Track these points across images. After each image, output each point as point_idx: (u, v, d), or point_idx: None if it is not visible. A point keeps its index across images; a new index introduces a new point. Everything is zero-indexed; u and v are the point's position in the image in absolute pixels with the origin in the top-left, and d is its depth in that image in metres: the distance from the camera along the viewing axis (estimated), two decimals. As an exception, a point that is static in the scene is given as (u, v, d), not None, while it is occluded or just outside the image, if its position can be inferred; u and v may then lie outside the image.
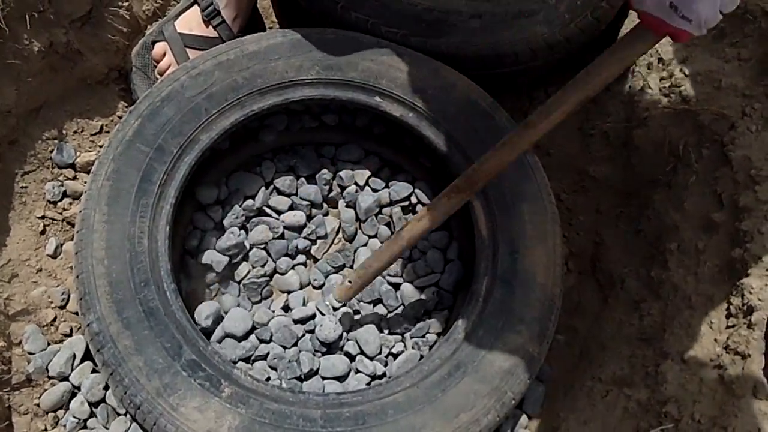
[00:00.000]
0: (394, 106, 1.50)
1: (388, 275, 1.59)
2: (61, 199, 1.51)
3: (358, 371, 1.51)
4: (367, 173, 1.66)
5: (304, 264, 1.63)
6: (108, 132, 1.58)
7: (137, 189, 1.35)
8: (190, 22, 1.62)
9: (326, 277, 1.60)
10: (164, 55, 1.61)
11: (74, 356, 1.41)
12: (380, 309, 1.58)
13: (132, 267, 1.30)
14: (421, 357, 1.50)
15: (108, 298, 1.27)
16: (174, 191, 1.38)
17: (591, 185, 1.63)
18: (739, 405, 1.13)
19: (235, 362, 1.45)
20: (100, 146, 1.57)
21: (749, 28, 1.42)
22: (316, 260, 1.64)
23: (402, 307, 1.58)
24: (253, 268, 1.57)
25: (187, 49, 1.60)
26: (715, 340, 1.26)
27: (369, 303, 1.58)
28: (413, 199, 1.65)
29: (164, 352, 1.26)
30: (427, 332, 1.56)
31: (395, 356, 1.55)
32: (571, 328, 1.55)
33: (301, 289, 1.59)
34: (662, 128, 1.44)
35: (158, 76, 1.62)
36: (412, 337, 1.56)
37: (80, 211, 1.34)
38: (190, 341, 1.28)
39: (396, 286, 1.60)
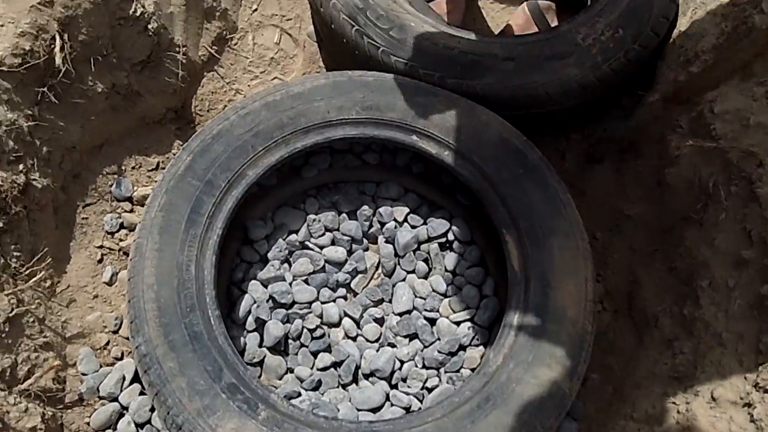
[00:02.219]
0: (431, 144, 1.57)
1: (425, 310, 1.64)
2: (118, 230, 1.61)
3: (392, 404, 1.55)
4: (406, 210, 1.72)
5: (344, 297, 1.68)
6: (164, 168, 1.68)
7: (187, 220, 1.44)
8: None
9: (365, 311, 1.66)
10: None
11: (124, 378, 1.49)
12: (416, 344, 1.62)
13: (179, 293, 1.38)
14: (455, 390, 1.54)
15: (156, 322, 1.35)
16: (221, 223, 1.46)
17: (626, 224, 1.65)
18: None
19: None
20: (156, 181, 1.67)
21: (779, 68, 1.44)
22: (355, 294, 1.69)
23: (438, 342, 1.62)
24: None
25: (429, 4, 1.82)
26: (745, 378, 1.27)
27: (405, 337, 1.63)
28: (450, 236, 1.70)
29: (206, 374, 1.33)
30: (462, 367, 1.60)
31: (430, 390, 1.58)
32: (606, 367, 1.56)
33: (340, 320, 1.65)
34: (693, 166, 1.46)
35: None
36: (446, 372, 1.60)
37: (134, 240, 1.44)
38: (230, 365, 1.35)
39: (432, 321, 1.65)
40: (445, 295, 1.67)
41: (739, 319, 1.32)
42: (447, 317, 1.64)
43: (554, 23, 1.83)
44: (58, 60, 1.37)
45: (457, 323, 1.64)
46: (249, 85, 1.84)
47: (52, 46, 1.37)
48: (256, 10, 1.89)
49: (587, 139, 1.73)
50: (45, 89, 1.39)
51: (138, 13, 1.50)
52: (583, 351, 1.42)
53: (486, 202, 1.54)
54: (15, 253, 1.37)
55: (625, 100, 1.75)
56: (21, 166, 1.38)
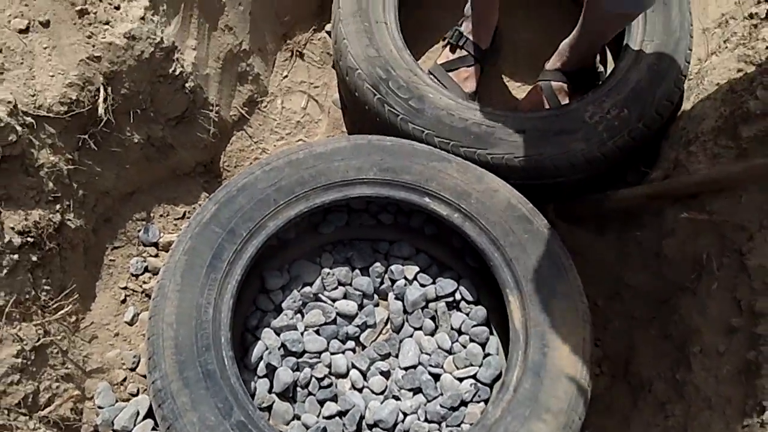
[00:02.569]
0: (442, 206, 1.66)
1: (430, 366, 1.70)
2: (142, 273, 1.71)
3: (394, 458, 1.60)
4: (416, 269, 1.80)
5: (353, 349, 1.75)
6: (189, 217, 1.79)
7: (208, 265, 1.53)
8: (444, 56, 2.02)
9: (372, 363, 1.72)
10: None
11: (138, 413, 1.55)
12: (420, 397, 1.68)
13: (197, 332, 1.46)
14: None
15: (173, 359, 1.43)
16: (240, 269, 1.55)
17: (626, 293, 1.73)
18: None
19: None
20: (181, 229, 1.77)
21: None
22: (364, 347, 1.76)
23: (440, 397, 1.68)
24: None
25: (449, 73, 1.99)
26: (730, 437, 1.32)
27: (409, 391, 1.69)
28: (457, 296, 1.78)
29: (217, 411, 1.40)
30: (462, 422, 1.65)
31: (432, 444, 1.64)
32: (600, 428, 1.61)
33: (348, 371, 1.71)
34: (688, 239, 1.54)
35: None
36: (447, 426, 1.65)
37: (158, 281, 1.53)
38: (240, 404, 1.41)
39: (436, 377, 1.71)
40: (450, 352, 1.73)
41: (727, 384, 1.37)
42: (451, 373, 1.70)
43: (565, 102, 1.95)
44: (101, 110, 1.49)
45: (460, 379, 1.70)
46: (275, 145, 1.96)
47: (96, 97, 1.49)
48: (286, 76, 2.03)
49: (592, 210, 1.82)
50: (86, 136, 1.51)
51: (177, 72, 1.62)
52: (579, 407, 1.47)
53: (492, 263, 1.62)
54: (45, 287, 1.47)
55: (630, 175, 1.84)
56: (58, 206, 1.49)
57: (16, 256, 1.38)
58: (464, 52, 2.02)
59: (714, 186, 1.50)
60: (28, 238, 1.41)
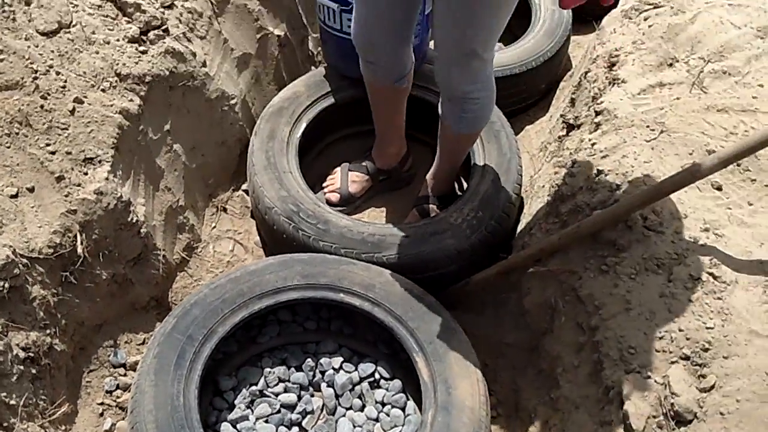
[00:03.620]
0: (354, 299, 2.12)
1: (357, 426, 2.08)
2: (115, 390, 2.04)
3: None
4: (341, 359, 2.21)
5: (297, 433, 2.11)
6: (148, 341, 2.16)
7: (174, 364, 1.90)
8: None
9: (315, 444, 2.09)
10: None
11: (124, 500, 1.84)
12: (352, 457, 2.05)
13: (172, 416, 1.81)
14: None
15: (155, 437, 1.76)
16: (200, 366, 1.93)
17: (506, 349, 2.20)
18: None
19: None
20: (143, 351, 2.14)
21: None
22: (305, 431, 2.12)
23: (371, 456, 2.05)
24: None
25: (349, 171, 2.60)
26: (593, 422, 1.76)
27: (342, 452, 2.05)
28: (377, 375, 2.19)
29: (195, 473, 1.72)
30: (395, 470, 2.02)
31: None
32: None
33: (294, 452, 2.06)
34: (540, 291, 2.06)
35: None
36: (384, 476, 2.01)
37: (134, 382, 1.88)
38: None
39: (366, 440, 2.08)
40: (377, 420, 2.12)
41: (585, 386, 1.83)
42: (377, 435, 2.09)
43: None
44: (79, 250, 1.90)
45: (387, 439, 2.09)
46: (211, 281, 2.39)
47: (75, 241, 1.91)
48: (214, 226, 2.50)
49: (461, 294, 2.32)
50: (67, 273, 1.91)
51: (133, 221, 2.07)
52: (482, 430, 1.89)
53: (398, 335, 2.06)
54: (42, 396, 1.79)
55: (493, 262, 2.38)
56: (48, 331, 1.85)
57: (21, 367, 1.72)
58: (365, 163, 2.61)
59: (546, 252, 2.04)
60: (30, 354, 1.76)
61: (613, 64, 2.44)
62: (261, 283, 2.10)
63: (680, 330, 1.69)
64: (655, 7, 2.56)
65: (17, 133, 1.93)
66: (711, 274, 1.76)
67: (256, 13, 2.72)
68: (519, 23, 3.13)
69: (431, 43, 2.36)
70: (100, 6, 2.26)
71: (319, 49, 3.07)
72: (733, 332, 1.65)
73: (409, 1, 2.08)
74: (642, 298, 1.79)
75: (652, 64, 2.36)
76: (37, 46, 2.06)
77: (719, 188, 1.96)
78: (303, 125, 2.55)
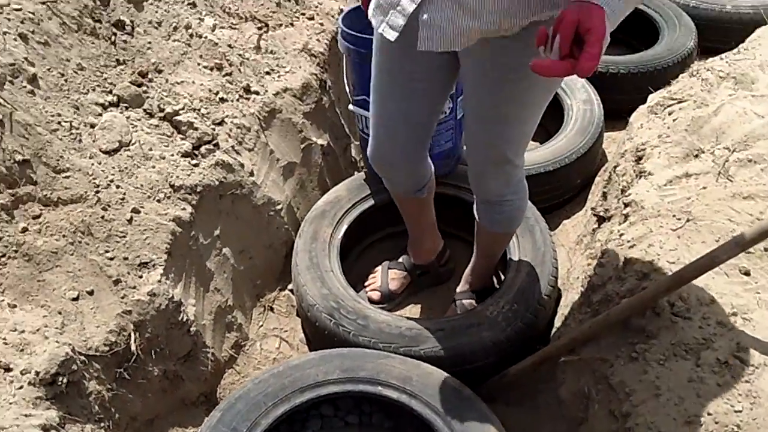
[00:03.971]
0: (391, 392, 2.18)
1: None
2: (165, 484, 2.13)
3: None
4: (382, 454, 2.26)
5: None
6: (197, 437, 2.26)
7: (219, 456, 1.99)
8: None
9: None
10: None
11: None
12: None
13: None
14: None
15: None
16: (243, 458, 2.01)
17: (547, 441, 2.21)
18: None
19: None
20: (194, 439, 2.23)
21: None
22: None
23: None
24: None
25: (389, 270, 2.71)
26: None
27: None
28: (415, 469, 2.23)
29: None
30: None
31: None
32: None
33: None
34: (574, 380, 2.09)
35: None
36: None
37: (181, 474, 1.97)
38: None
39: None
40: None
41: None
42: None
43: (472, 309, 2.58)
44: (133, 348, 2.04)
45: None
46: (258, 378, 2.49)
47: (129, 340, 2.05)
48: (262, 325, 2.62)
49: (498, 387, 2.35)
50: (122, 370, 2.04)
51: (184, 320, 2.21)
52: None
53: (434, 426, 2.11)
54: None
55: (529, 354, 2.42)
56: (102, 425, 1.96)
57: (78, 458, 1.84)
58: (402, 260, 2.71)
59: (579, 341, 2.08)
60: (85, 446, 1.87)
61: (641, 158, 2.53)
62: (302, 378, 2.19)
63: (709, 414, 1.70)
64: (679, 102, 2.66)
65: (80, 242, 2.11)
66: (739, 357, 1.78)
67: (300, 126, 2.93)
68: (552, 122, 3.27)
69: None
70: (157, 125, 2.48)
71: (361, 155, 3.26)
72: (762, 415, 1.66)
73: (424, 125, 2.17)
74: (671, 384, 1.81)
75: (678, 155, 2.45)
76: (99, 164, 2.28)
77: (747, 273, 2.00)
78: (344, 227, 2.69)
